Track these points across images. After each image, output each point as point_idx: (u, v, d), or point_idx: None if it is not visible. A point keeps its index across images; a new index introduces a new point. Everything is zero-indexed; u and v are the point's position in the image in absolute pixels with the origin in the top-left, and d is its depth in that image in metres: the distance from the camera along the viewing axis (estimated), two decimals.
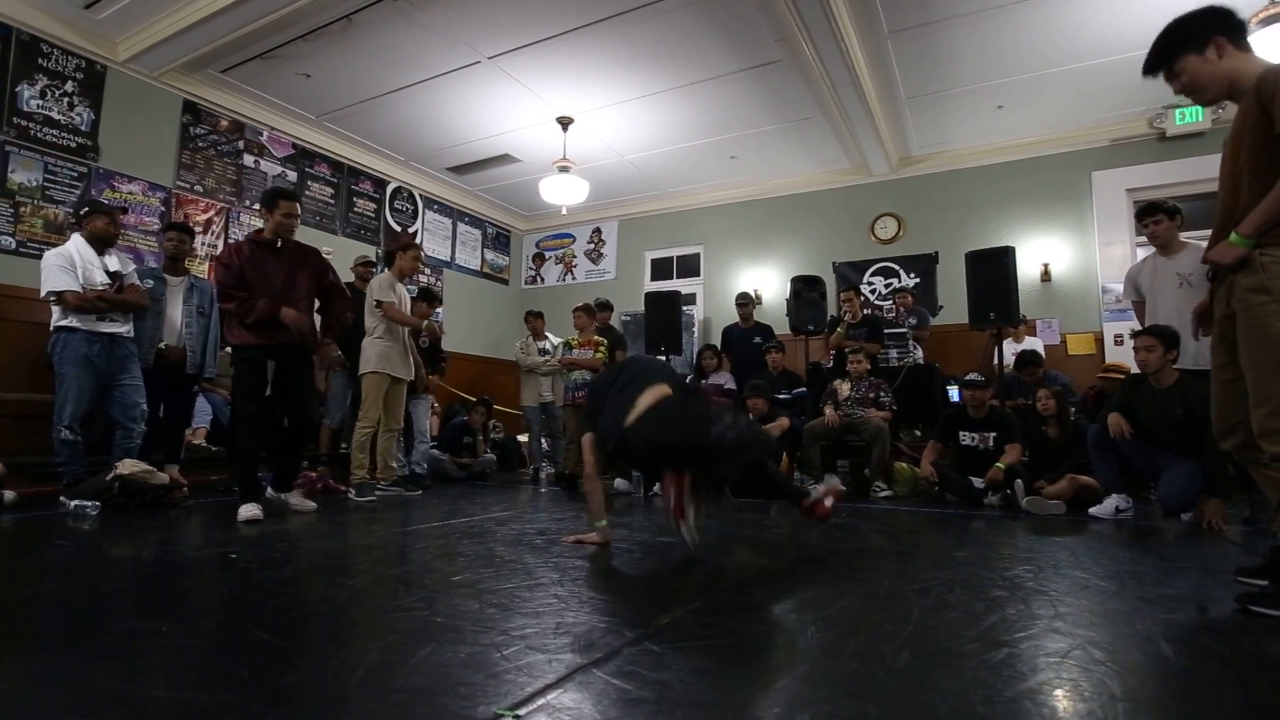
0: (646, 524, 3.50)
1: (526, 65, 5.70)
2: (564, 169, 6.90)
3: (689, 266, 8.97)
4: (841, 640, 1.53)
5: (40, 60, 5.10)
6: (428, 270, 8.40)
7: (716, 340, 7.12)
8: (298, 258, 3.76)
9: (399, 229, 8.11)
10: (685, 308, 7.25)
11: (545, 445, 6.56)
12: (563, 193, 7.00)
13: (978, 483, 4.32)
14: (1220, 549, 2.82)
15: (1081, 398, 5.63)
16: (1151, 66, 2.01)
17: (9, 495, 3.65)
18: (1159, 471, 3.73)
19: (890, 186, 7.67)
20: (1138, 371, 3.84)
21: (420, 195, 8.42)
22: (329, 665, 1.33)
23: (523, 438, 7.35)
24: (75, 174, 5.27)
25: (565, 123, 6.65)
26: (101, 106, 5.44)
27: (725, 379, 6.37)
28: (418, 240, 8.32)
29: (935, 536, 3.29)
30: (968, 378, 4.60)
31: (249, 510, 3.35)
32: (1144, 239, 6.58)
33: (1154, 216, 3.82)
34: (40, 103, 5.09)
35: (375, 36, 5.28)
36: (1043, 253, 6.88)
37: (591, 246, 9.62)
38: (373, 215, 7.82)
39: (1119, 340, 6.31)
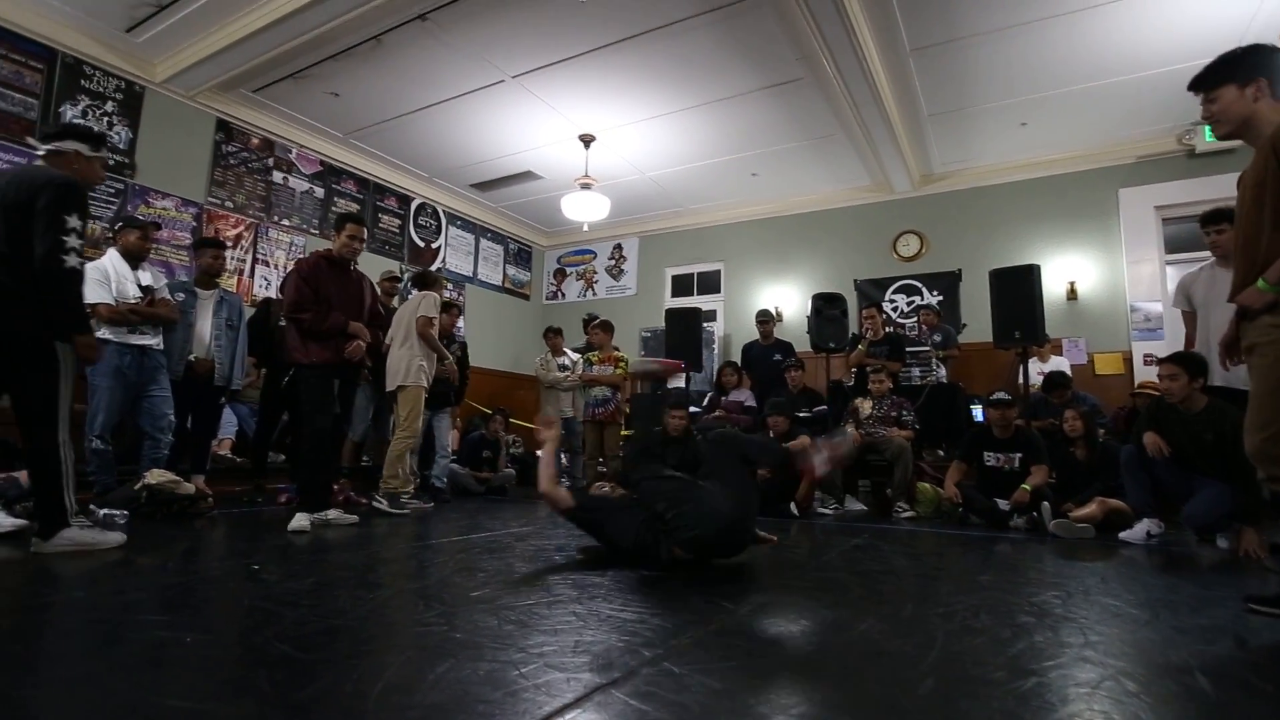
0: None
1: (549, 84, 5.78)
2: (586, 186, 6.96)
3: (710, 283, 8.97)
4: (864, 665, 1.50)
5: (83, 82, 5.28)
6: (450, 285, 8.49)
7: (737, 357, 7.10)
8: (361, 282, 4.02)
9: (422, 245, 8.22)
10: (706, 324, 7.24)
11: (564, 461, 6.57)
12: (584, 209, 7.06)
13: (1003, 504, 4.24)
14: (1259, 578, 2.73)
15: (1111, 418, 5.51)
16: (1196, 84, 2.10)
17: None
18: (1193, 495, 3.63)
19: (912, 204, 7.63)
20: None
21: (444, 211, 8.55)
22: (348, 679, 1.33)
23: None
24: (113, 190, 5.43)
25: (587, 140, 6.72)
26: (139, 125, 5.61)
27: (745, 396, 6.34)
28: (440, 256, 8.45)
29: (959, 559, 3.23)
30: (994, 396, 4.53)
31: (300, 521, 3.48)
32: (1174, 257, 6.53)
33: (1218, 225, 3.54)
34: (82, 122, 5.25)
35: (402, 56, 5.39)
36: (1068, 271, 6.78)
37: (613, 263, 9.67)
38: (397, 231, 7.95)
39: (1149, 360, 6.18)
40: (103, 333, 3.88)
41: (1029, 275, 4.97)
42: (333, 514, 3.84)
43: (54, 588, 2.19)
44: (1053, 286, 6.52)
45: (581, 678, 1.34)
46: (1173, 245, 6.59)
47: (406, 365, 4.62)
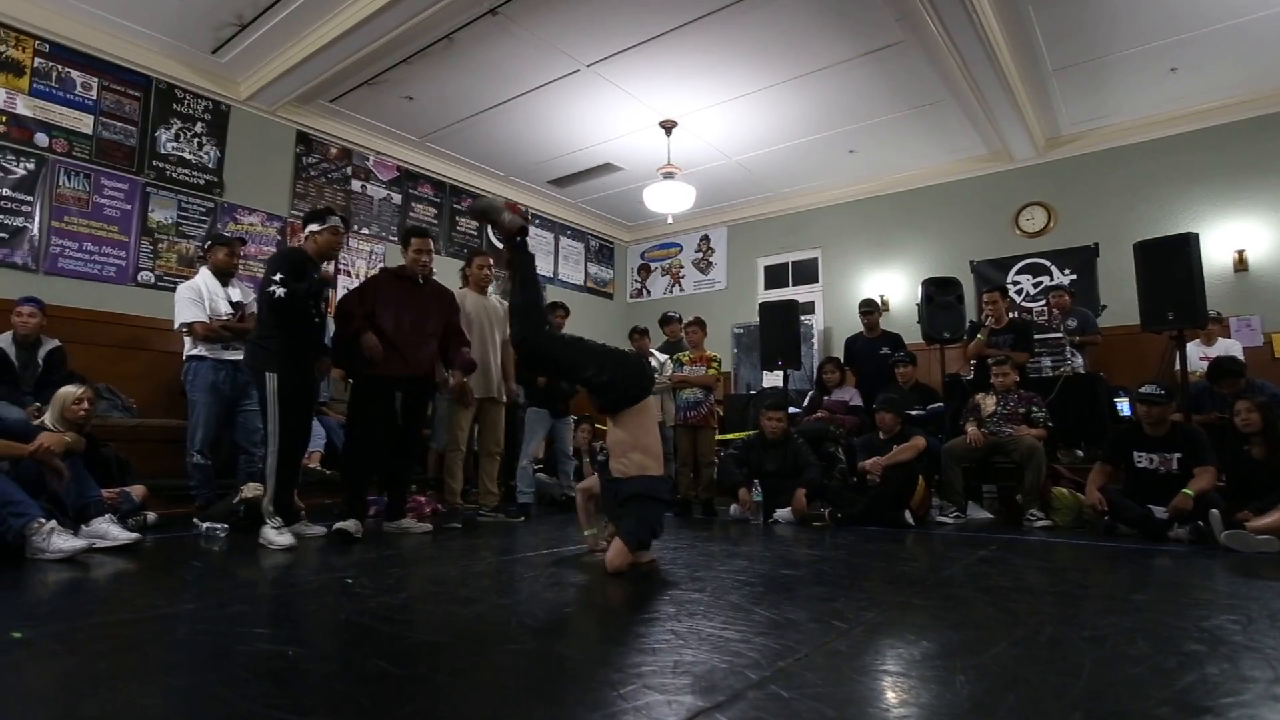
0: (767, 555, 3.45)
1: (627, 70, 5.85)
2: (668, 175, 6.99)
3: (806, 272, 8.81)
4: (997, 694, 1.44)
5: (175, 105, 5.81)
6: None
7: (838, 352, 6.93)
8: (435, 297, 4.23)
9: (501, 246, 8.49)
10: (803, 317, 7.10)
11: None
12: (667, 200, 7.09)
13: (1159, 512, 3.93)
14: None
15: None
16: None
17: (151, 516, 4.12)
18: None
19: (1036, 172, 7.25)
20: None
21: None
22: (446, 698, 1.40)
23: None
24: (204, 209, 5.93)
25: (669, 126, 6.75)
26: (226, 144, 6.11)
27: (850, 394, 6.18)
28: None
29: (1106, 575, 3.03)
30: (1143, 390, 4.20)
31: (350, 524, 3.76)
32: None
33: None
34: (175, 145, 5.79)
35: (475, 53, 5.60)
36: (1236, 237, 6.25)
37: (700, 255, 9.66)
38: (475, 233, 8.25)
39: None
40: (200, 350, 4.27)
41: (1185, 246, 4.58)
42: (406, 523, 4.17)
43: (165, 599, 2.41)
44: (1215, 257, 6.03)
45: (683, 700, 1.35)
46: None
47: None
